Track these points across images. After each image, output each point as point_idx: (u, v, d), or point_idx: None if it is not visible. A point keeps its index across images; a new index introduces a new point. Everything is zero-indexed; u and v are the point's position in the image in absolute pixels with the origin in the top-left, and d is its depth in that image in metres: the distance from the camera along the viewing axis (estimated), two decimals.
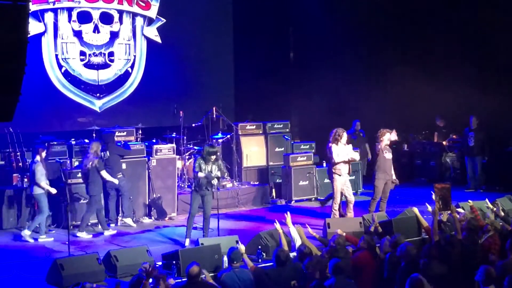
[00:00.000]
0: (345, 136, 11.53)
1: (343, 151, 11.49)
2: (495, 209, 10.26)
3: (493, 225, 8.84)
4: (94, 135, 13.52)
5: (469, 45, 15.57)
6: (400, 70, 15.88)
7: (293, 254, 8.57)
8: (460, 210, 10.15)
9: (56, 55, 14.61)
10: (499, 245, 8.45)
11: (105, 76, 15.22)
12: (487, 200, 10.73)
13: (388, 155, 11.77)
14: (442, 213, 9.70)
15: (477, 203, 11.03)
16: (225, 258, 8.69)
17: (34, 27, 13.95)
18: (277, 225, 9.07)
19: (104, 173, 11.41)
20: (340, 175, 11.48)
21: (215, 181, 10.47)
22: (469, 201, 10.41)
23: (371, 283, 7.99)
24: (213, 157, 10.42)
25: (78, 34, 14.81)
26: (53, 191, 11.27)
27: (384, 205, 11.87)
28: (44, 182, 11.11)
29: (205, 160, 10.40)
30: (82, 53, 14.89)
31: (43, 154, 11.32)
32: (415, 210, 10.22)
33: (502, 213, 10.20)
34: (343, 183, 11.58)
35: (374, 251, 8.44)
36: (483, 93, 14.77)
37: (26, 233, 11.03)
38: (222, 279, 7.61)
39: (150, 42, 15.77)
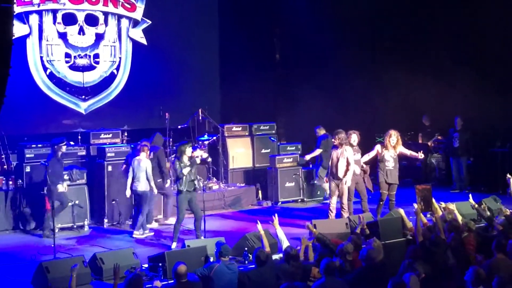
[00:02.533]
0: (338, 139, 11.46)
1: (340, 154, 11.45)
2: (477, 206, 10.35)
3: (467, 226, 8.89)
4: (79, 137, 13.47)
5: (457, 46, 15.63)
6: (386, 72, 15.91)
7: (279, 256, 8.58)
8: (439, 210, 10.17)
9: (41, 57, 14.54)
10: (473, 245, 8.53)
11: (91, 78, 15.17)
12: (470, 196, 10.82)
13: (357, 156, 11.84)
14: (433, 215, 9.73)
15: (461, 203, 11.09)
16: (212, 260, 8.71)
17: (18, 29, 13.86)
18: (259, 226, 9.06)
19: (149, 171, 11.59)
20: (332, 178, 11.49)
21: (199, 159, 10.68)
22: (441, 203, 10.46)
23: None
24: (188, 150, 10.44)
25: (63, 36, 14.74)
26: (156, 191, 11.42)
27: (365, 204, 11.92)
28: (152, 179, 11.23)
29: (180, 162, 10.41)
30: (67, 55, 14.83)
31: (148, 152, 11.37)
32: (401, 211, 10.24)
33: (488, 213, 10.26)
34: (338, 184, 11.52)
35: None
36: (468, 94, 14.85)
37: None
38: (213, 271, 7.64)
39: (135, 44, 15.73)
